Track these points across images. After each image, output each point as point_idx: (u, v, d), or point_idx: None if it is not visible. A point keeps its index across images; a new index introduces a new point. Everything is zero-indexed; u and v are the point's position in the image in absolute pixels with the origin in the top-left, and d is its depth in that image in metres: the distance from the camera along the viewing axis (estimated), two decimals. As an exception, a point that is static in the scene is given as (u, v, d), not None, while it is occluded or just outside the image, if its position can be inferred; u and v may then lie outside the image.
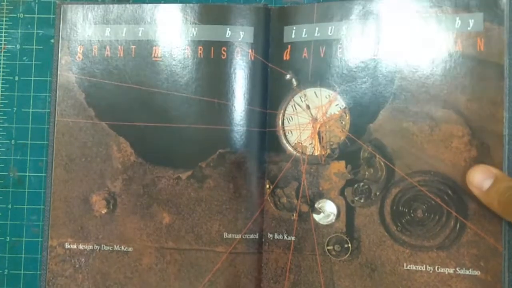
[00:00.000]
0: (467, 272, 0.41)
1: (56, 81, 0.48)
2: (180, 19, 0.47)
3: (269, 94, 0.46)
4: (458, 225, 0.42)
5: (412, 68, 0.43)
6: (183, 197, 0.46)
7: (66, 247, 0.47)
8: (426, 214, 0.43)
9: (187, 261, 0.46)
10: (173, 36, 0.47)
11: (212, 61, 0.47)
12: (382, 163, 0.44)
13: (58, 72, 0.48)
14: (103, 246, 0.47)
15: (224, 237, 0.46)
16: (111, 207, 0.47)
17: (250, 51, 0.47)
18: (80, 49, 0.48)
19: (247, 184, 0.46)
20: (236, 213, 0.46)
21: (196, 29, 0.47)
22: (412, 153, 0.43)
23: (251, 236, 0.45)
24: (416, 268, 0.42)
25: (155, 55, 0.47)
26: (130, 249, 0.47)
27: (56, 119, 0.48)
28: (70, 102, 0.48)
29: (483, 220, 0.41)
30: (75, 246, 0.47)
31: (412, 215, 0.43)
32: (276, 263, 0.45)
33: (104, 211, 0.47)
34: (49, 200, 0.48)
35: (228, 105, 0.46)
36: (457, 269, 0.42)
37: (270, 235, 0.45)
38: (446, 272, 0.42)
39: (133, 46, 0.48)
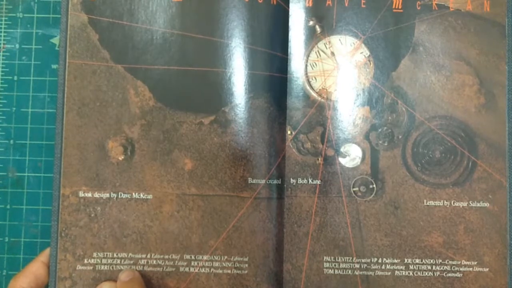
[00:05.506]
0: (478, 205, 0.46)
1: (66, 21, 0.45)
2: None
3: (290, 40, 0.47)
4: (470, 164, 0.46)
5: (430, 24, 0.47)
6: (206, 142, 0.46)
7: (80, 195, 0.45)
8: (443, 154, 0.46)
9: (210, 207, 0.45)
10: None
11: (235, 4, 0.46)
12: (404, 109, 0.46)
13: (69, 12, 0.45)
14: (121, 194, 0.45)
15: (249, 182, 0.45)
16: (129, 153, 0.45)
17: (272, -4, 0.46)
18: (92, -12, 0.46)
19: (269, 129, 0.46)
20: (260, 159, 0.46)
21: (218, -30, 0.46)
22: (430, 99, 0.46)
23: (274, 182, 0.46)
24: (434, 203, 0.46)
25: (175, -3, 0.46)
26: (150, 196, 0.45)
27: (67, 61, 0.45)
28: (82, 43, 0.45)
29: (491, 158, 0.46)
30: (90, 195, 0.45)
31: (431, 156, 0.46)
32: (300, 207, 0.46)
33: (121, 157, 0.45)
34: (60, 147, 0.45)
35: (250, 49, 0.46)
36: (469, 202, 0.46)
37: (293, 180, 0.46)
38: (461, 206, 0.46)
39: (152, -13, 0.46)
